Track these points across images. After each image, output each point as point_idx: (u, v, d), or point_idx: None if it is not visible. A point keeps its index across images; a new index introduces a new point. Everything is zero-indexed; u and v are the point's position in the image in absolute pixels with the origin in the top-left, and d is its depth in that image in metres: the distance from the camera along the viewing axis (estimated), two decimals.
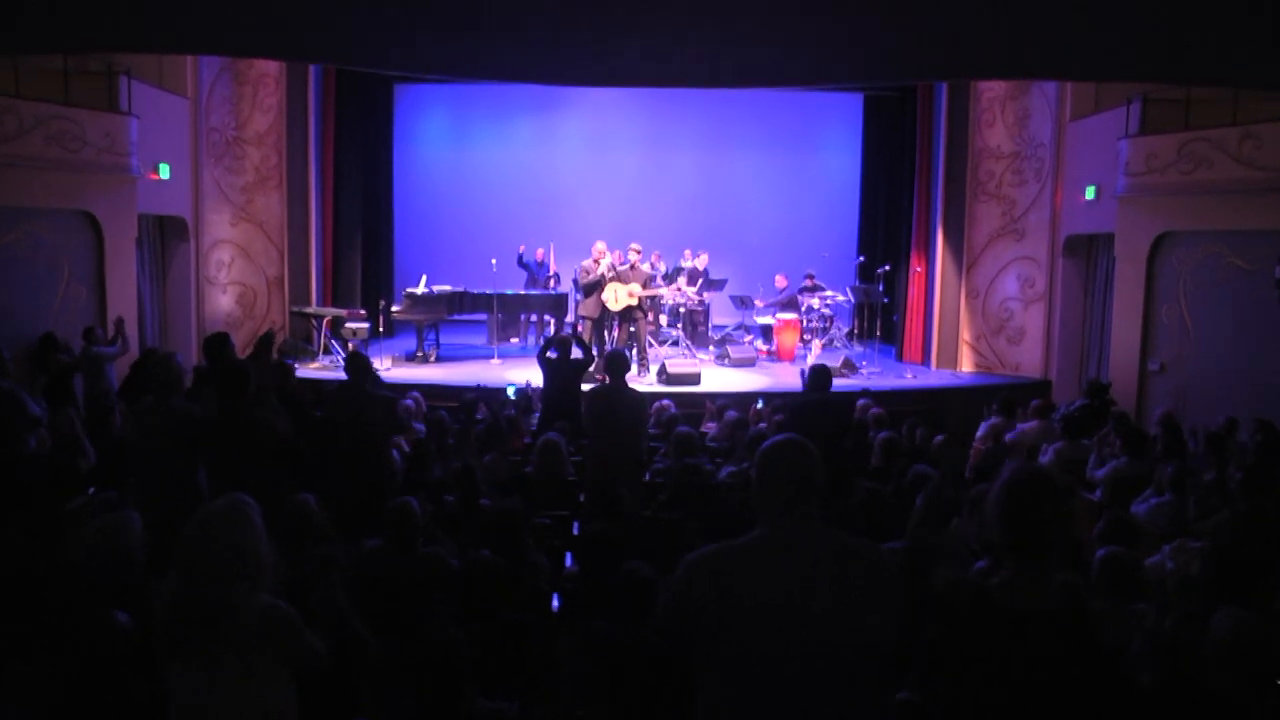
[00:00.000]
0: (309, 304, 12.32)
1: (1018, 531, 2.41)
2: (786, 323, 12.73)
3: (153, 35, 6.29)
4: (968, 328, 12.49)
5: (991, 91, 12.05)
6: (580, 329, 11.03)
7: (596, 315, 11.03)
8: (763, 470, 2.42)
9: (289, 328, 12.31)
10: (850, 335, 13.75)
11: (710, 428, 8.50)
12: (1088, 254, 11.60)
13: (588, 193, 16.30)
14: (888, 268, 12.61)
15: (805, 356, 12.55)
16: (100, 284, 9.79)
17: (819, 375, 6.61)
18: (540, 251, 13.79)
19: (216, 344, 5.79)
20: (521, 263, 13.56)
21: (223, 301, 12.10)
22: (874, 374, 11.68)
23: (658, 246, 14.34)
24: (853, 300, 13.08)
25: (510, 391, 8.68)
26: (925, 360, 12.74)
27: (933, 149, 12.65)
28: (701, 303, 13.64)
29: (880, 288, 12.38)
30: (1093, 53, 6.03)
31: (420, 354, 11.93)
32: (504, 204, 16.31)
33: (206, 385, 5.41)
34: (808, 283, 13.85)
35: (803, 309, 13.24)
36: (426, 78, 13.31)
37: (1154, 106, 9.98)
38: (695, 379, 10.74)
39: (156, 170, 10.65)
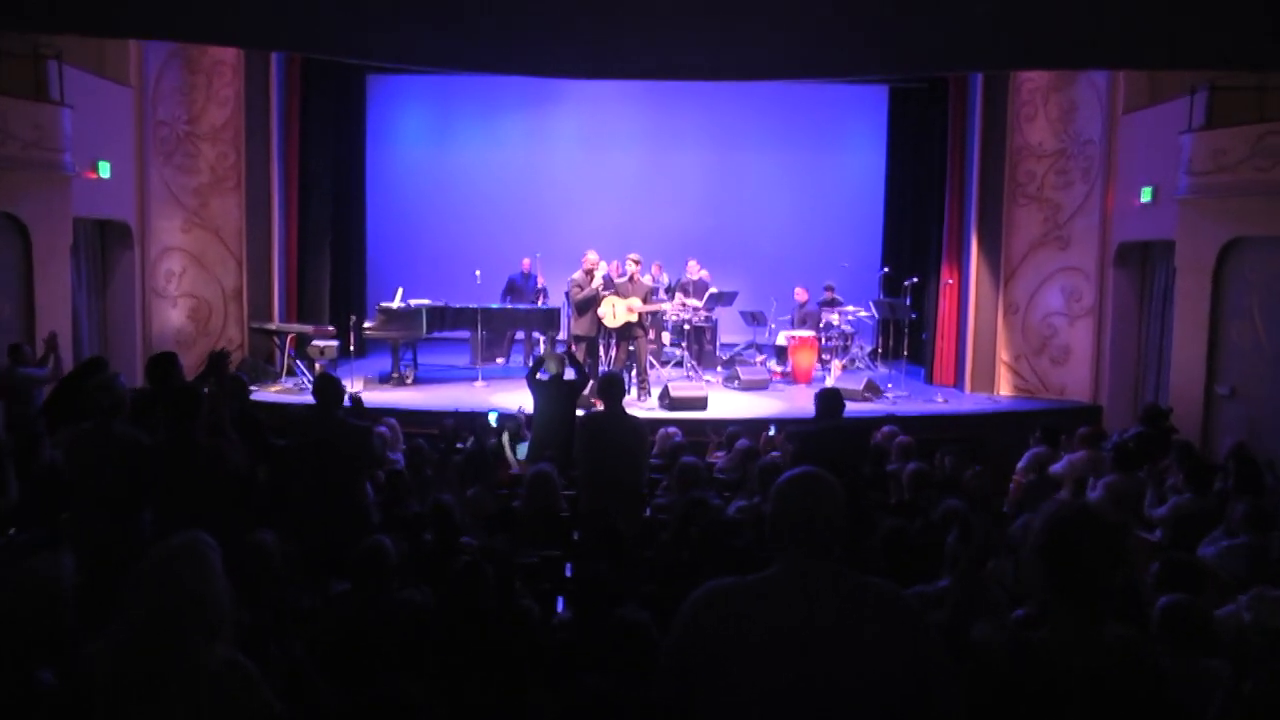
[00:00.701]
0: (270, 320, 12.34)
1: (1063, 576, 2.38)
2: (803, 341, 12.75)
3: (92, 17, 6.28)
4: (1006, 347, 12.49)
5: (1032, 82, 12.07)
6: (574, 348, 11.05)
7: (592, 333, 11.05)
8: (778, 504, 2.44)
9: (248, 346, 12.33)
10: (874, 355, 13.75)
11: (718, 458, 8.49)
12: (1142, 264, 11.58)
13: (582, 197, 16.37)
14: (916, 280, 12.62)
15: (824, 379, 12.56)
16: (28, 296, 9.61)
17: (829, 400, 6.61)
18: (526, 262, 13.86)
19: (162, 364, 5.75)
20: (514, 285, 13.68)
21: (173, 316, 12.11)
22: (901, 398, 11.68)
23: (659, 256, 14.38)
24: (876, 316, 13.11)
25: (491, 419, 8.68)
26: (958, 383, 12.73)
27: (966, 147, 12.69)
28: (708, 319, 13.66)
29: (908, 302, 12.39)
30: (1168, 37, 5.89)
31: (395, 375, 11.94)
32: (489, 209, 16.37)
33: (152, 410, 5.38)
34: (827, 296, 13.87)
35: (821, 326, 13.26)
36: (405, 68, 13.40)
37: (1222, 96, 9.66)
38: (701, 404, 10.73)
39: (95, 168, 10.61)
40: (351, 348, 11.92)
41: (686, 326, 12.89)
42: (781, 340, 13.36)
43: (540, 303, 13.57)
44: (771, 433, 8.83)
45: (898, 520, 5.24)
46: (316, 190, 13.50)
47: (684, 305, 12.97)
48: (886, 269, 13.97)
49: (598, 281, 11.01)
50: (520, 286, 13.90)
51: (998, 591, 4.12)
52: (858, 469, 6.41)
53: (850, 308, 13.59)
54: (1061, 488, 7.28)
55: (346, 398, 6.21)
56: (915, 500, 6.39)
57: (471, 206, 16.44)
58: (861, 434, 6.88)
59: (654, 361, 12.66)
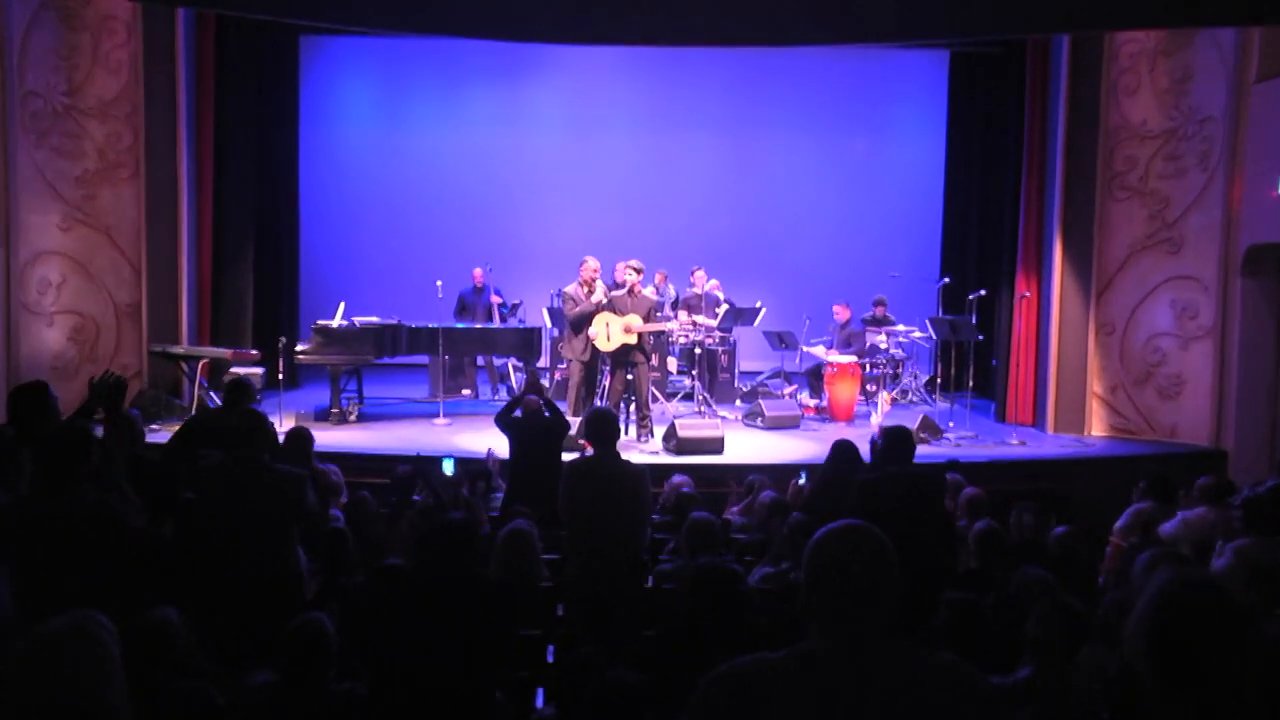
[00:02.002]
0: (177, 342, 12.32)
1: (1178, 667, 2.36)
2: (842, 369, 12.76)
3: None
4: (1100, 376, 12.47)
5: (1135, 44, 12.02)
6: (559, 376, 11.03)
7: (589, 358, 11.09)
8: (813, 567, 2.43)
9: (147, 374, 12.29)
10: (931, 386, 13.75)
11: (736, 513, 8.47)
12: (1279, 272, 11.59)
13: (567, 192, 16.46)
14: (983, 293, 12.62)
15: (869, 415, 12.55)
16: None
17: (899, 442, 6.61)
18: (478, 273, 14.03)
19: (31, 397, 5.67)
20: (464, 303, 13.86)
21: (48, 338, 12.05)
22: (966, 439, 11.65)
23: (663, 264, 14.45)
24: (934, 337, 13.11)
25: (447, 467, 8.66)
26: (1038, 421, 12.71)
27: (1048, 127, 12.70)
28: (724, 341, 13.67)
29: (973, 320, 12.38)
30: None
31: (336, 411, 11.94)
32: (453, 206, 16.46)
33: (13, 456, 5.33)
34: (875, 313, 13.89)
35: (865, 350, 13.27)
36: (348, 29, 13.43)
37: None
38: (716, 446, 10.71)
39: None
40: (280, 376, 11.90)
41: (697, 350, 12.90)
42: (824, 355, 13.36)
43: (505, 319, 13.65)
44: (802, 481, 8.80)
45: (964, 593, 5.21)
46: (237, 180, 13.53)
47: (694, 324, 13.00)
48: (946, 279, 14.01)
49: (598, 295, 11.02)
50: (471, 304, 14.01)
51: (1091, 686, 4.09)
52: (923, 530, 6.41)
53: (902, 327, 13.60)
54: (1174, 554, 7.23)
55: (282, 436, 6.23)
56: (986, 568, 6.35)
57: (431, 203, 16.51)
58: (937, 483, 6.91)
59: (657, 394, 12.65)
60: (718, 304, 13.58)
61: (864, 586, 2.37)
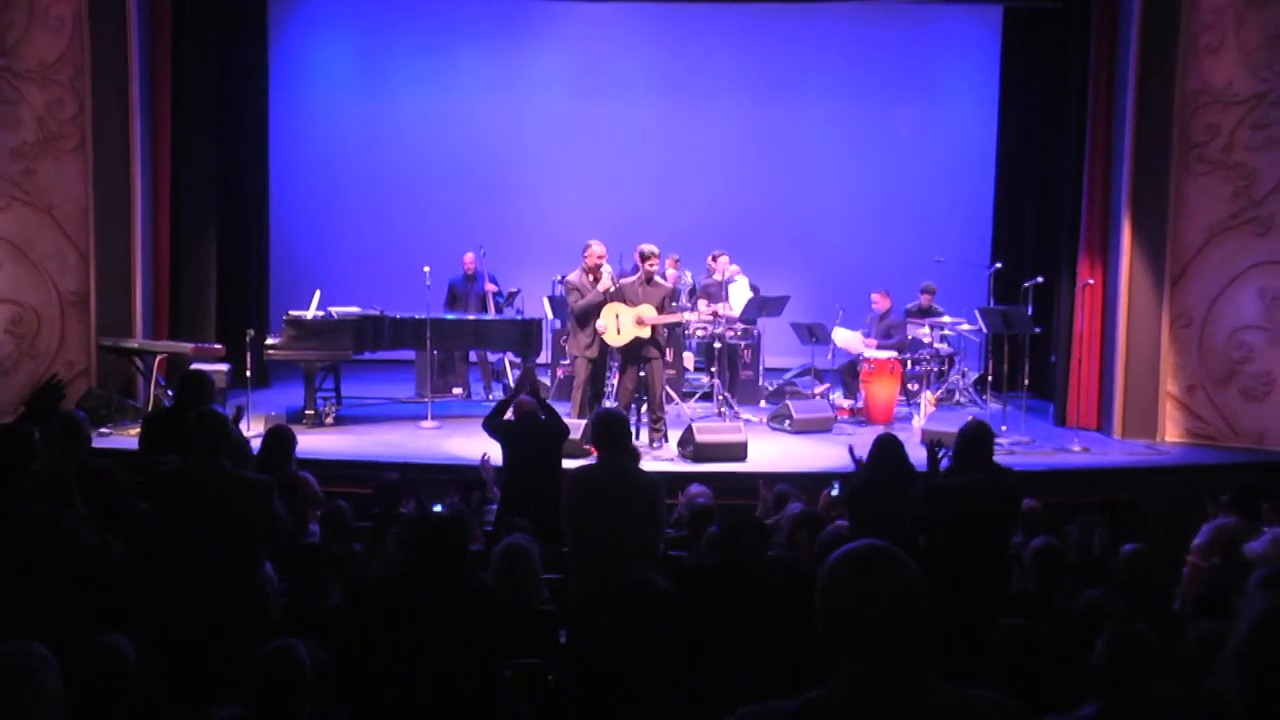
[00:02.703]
0: (130, 335, 12.33)
1: (1275, 705, 2.33)
2: (881, 365, 12.70)
3: None
4: (1175, 374, 12.41)
5: None
6: (562, 373, 11.01)
7: (596, 354, 11.07)
8: (826, 596, 2.43)
9: (96, 371, 12.30)
10: (980, 384, 13.69)
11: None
12: None
13: (571, 167, 16.46)
14: (1041, 280, 12.58)
15: (911, 418, 12.53)
16: None
17: (976, 442, 6.62)
18: (469, 259, 14.02)
19: None
20: (454, 292, 13.83)
21: None
22: (1020, 445, 11.60)
23: (678, 248, 14.41)
24: (984, 330, 13.05)
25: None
26: (1104, 424, 12.65)
27: (1116, 92, 12.62)
28: (747, 334, 13.63)
29: (1029, 311, 12.34)
30: None
31: (310, 412, 11.96)
32: (442, 183, 16.46)
33: None
34: (921, 303, 13.84)
35: (907, 344, 13.23)
36: None
37: None
38: (739, 452, 10.70)
39: None
40: (249, 373, 11.86)
41: (717, 345, 12.87)
42: (861, 346, 13.33)
43: (500, 310, 13.64)
44: (835, 492, 8.78)
45: (1020, 619, 5.18)
46: (198, 154, 13.53)
47: (714, 316, 12.95)
48: (999, 265, 13.94)
49: (605, 282, 10.96)
50: (463, 293, 14.01)
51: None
52: (997, 546, 6.41)
53: (948, 319, 13.55)
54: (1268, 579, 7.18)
55: (255, 439, 6.20)
56: (1044, 590, 6.33)
57: (417, 178, 16.52)
58: (1013, 494, 6.91)
59: (672, 394, 12.62)
60: (736, 292, 13.54)
61: (884, 618, 2.35)
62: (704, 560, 6.13)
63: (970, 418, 7.32)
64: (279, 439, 7.60)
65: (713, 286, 13.74)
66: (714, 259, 14.09)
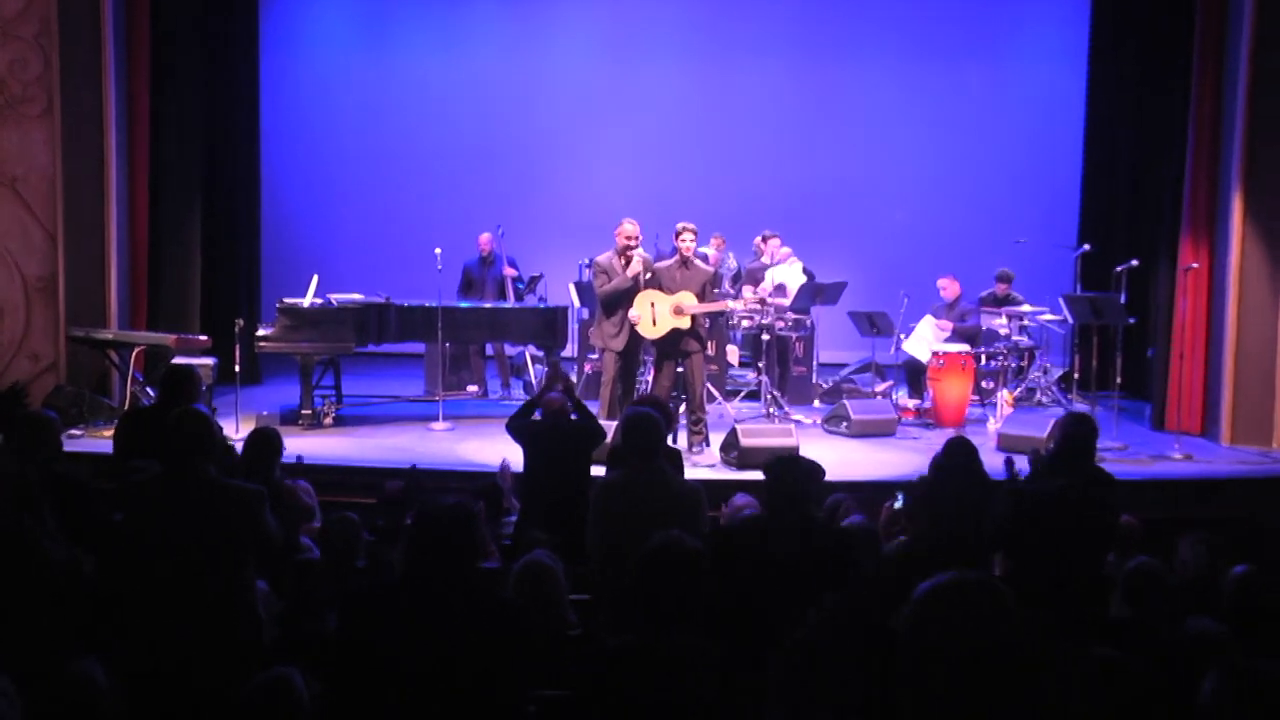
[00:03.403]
0: (104, 324, 12.36)
1: None
2: (951, 361, 12.64)
3: None
4: None
5: None
6: (589, 369, 11.00)
7: (623, 346, 11.05)
8: (921, 634, 2.43)
9: (65, 366, 12.33)
10: (1065, 383, 13.62)
11: None
12: None
13: (600, 136, 16.43)
14: (1136, 263, 12.49)
15: (985, 420, 12.47)
16: None
17: (1078, 440, 6.57)
18: (485, 240, 14.01)
19: None
20: (470, 277, 13.84)
21: None
22: (1114, 451, 11.52)
23: (721, 228, 14.37)
24: (1071, 320, 12.99)
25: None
26: (1209, 429, 12.56)
27: (1227, 46, 12.48)
28: (799, 325, 13.59)
29: (1122, 299, 12.26)
30: None
31: (307, 412, 11.98)
32: (456, 155, 16.48)
33: None
34: (997, 291, 13.75)
35: (981, 336, 13.15)
36: None
37: None
38: None
39: None
40: (237, 369, 11.89)
41: (765, 337, 12.83)
42: (919, 355, 13.30)
43: (521, 297, 13.63)
44: (899, 505, 8.72)
45: (1113, 650, 5.14)
46: (182, 121, 13.55)
47: (762, 304, 12.92)
48: (1087, 246, 13.86)
49: (635, 266, 10.91)
50: (479, 278, 14.01)
51: None
52: (1094, 564, 6.37)
53: (1028, 308, 13.46)
54: None
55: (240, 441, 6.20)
56: (1143, 618, 6.27)
57: (427, 150, 16.54)
58: (1113, 504, 6.87)
59: (715, 392, 12.60)
60: (788, 277, 13.49)
61: (981, 662, 2.31)
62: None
63: (1068, 411, 7.24)
64: (263, 443, 7.58)
65: (760, 271, 13.70)
66: (763, 240, 14.05)
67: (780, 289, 13.47)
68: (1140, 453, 11.65)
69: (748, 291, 13.23)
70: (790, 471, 5.80)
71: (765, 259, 13.85)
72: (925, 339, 13.30)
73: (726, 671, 4.19)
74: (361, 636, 4.59)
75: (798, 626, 4.38)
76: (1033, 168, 16.40)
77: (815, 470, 5.93)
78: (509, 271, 14.06)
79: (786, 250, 14.07)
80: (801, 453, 10.65)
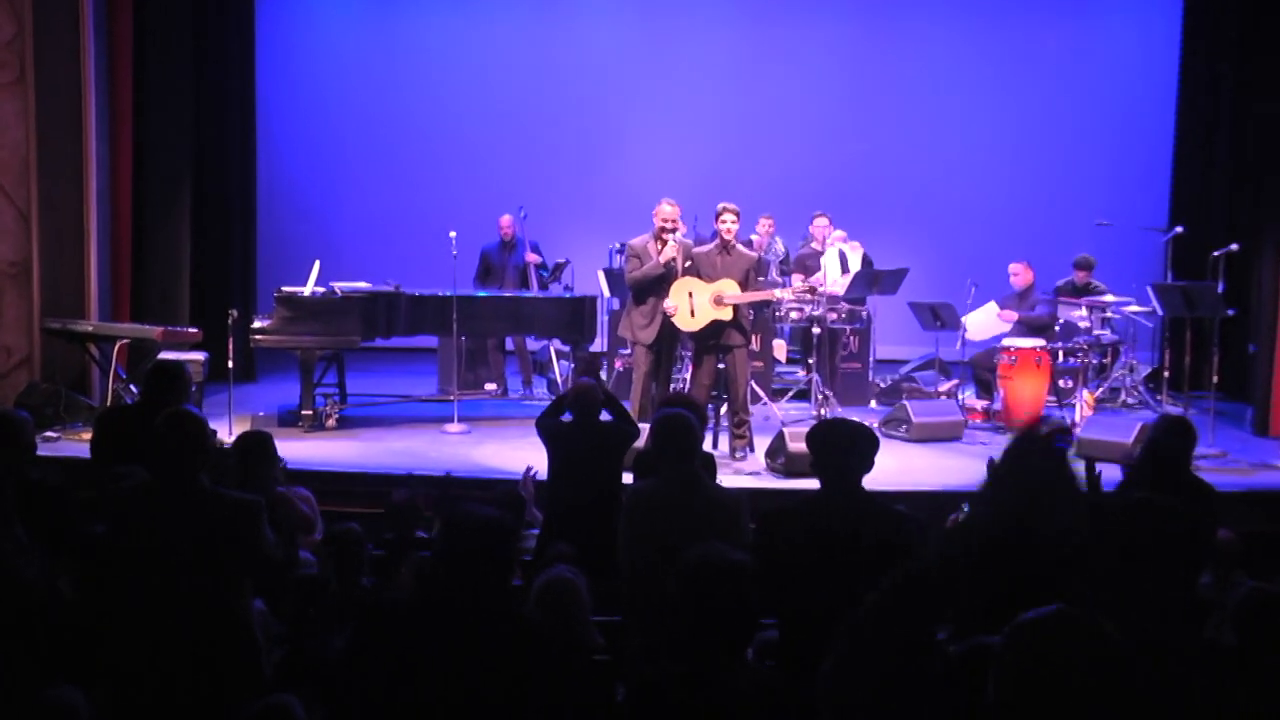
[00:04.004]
0: (83, 315, 12.43)
1: None
2: (1024, 357, 12.56)
3: None
4: None
5: None
6: (620, 365, 10.98)
7: (653, 339, 11.05)
8: (1008, 679, 2.39)
9: (40, 360, 12.37)
10: (1154, 381, 13.55)
11: None
12: None
13: (634, 107, 16.42)
14: (1235, 248, 12.43)
15: (1066, 420, 12.34)
16: None
17: (1174, 440, 6.53)
18: (505, 221, 14.01)
19: None
20: (489, 263, 13.83)
21: None
22: (1210, 459, 11.44)
23: (768, 209, 14.34)
24: (1160, 313, 12.93)
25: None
26: None
27: None
28: (854, 317, 13.55)
29: (1220, 288, 12.20)
30: None
31: (308, 413, 12.01)
32: (473, 128, 16.48)
33: None
34: (1076, 279, 13.67)
35: (1057, 330, 13.09)
36: None
37: None
38: None
39: None
40: (230, 364, 11.95)
41: (816, 330, 12.83)
42: (977, 330, 13.23)
43: (545, 286, 13.63)
44: (962, 515, 8.71)
45: (1210, 680, 5.11)
46: (168, 91, 13.59)
47: (812, 293, 12.89)
48: (1179, 229, 13.80)
49: (669, 251, 10.87)
50: (498, 264, 13.99)
51: None
52: (1193, 584, 6.34)
53: (1111, 298, 13.38)
54: None
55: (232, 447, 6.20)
56: (1250, 646, 6.22)
57: (441, 122, 16.56)
58: (1211, 518, 6.79)
59: (760, 392, 12.59)
60: (846, 264, 13.47)
61: (1082, 704, 2.32)
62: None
63: (1160, 414, 7.20)
64: (256, 447, 7.56)
65: (811, 257, 13.66)
66: (815, 221, 13.98)
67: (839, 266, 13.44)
68: (1240, 461, 11.55)
69: (797, 280, 13.20)
70: (837, 435, 5.83)
71: (816, 244, 13.80)
72: (983, 325, 13.25)
73: (780, 704, 4.18)
74: (374, 659, 4.60)
75: (841, 638, 4.38)
76: (1118, 139, 16.32)
77: (866, 435, 5.90)
78: (532, 258, 14.07)
79: (840, 233, 14.00)
80: None
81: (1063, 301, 13.45)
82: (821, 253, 13.74)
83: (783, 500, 6.80)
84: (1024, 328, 13.08)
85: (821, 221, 13.94)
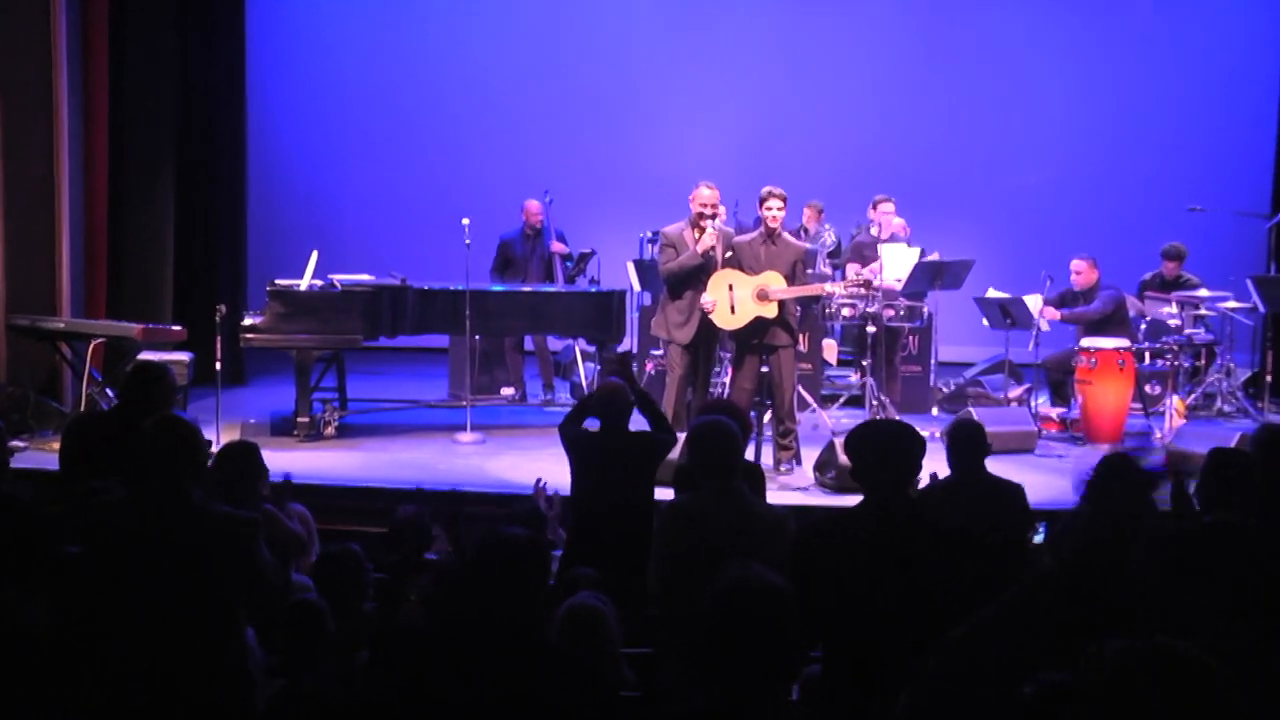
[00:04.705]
0: (54, 312, 12.46)
1: None
2: (1105, 358, 12.51)
3: None
4: None
5: None
6: (652, 368, 11.00)
7: (690, 339, 11.05)
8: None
9: (4, 362, 12.40)
10: (1254, 386, 13.50)
11: None
12: None
13: (667, 83, 16.40)
14: None
15: (1149, 433, 12.40)
16: None
17: (1272, 460, 6.51)
18: (532, 207, 13.93)
19: None
20: (509, 254, 13.82)
21: None
22: None
23: (817, 194, 14.33)
24: (1262, 309, 12.90)
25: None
26: None
27: None
28: (914, 314, 13.52)
29: None
30: None
31: (305, 420, 12.04)
32: (485, 104, 16.50)
33: None
34: (1167, 271, 13.60)
35: (1142, 329, 13.03)
36: None
37: None
38: None
39: None
40: (218, 365, 11.94)
41: (871, 328, 12.80)
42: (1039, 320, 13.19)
43: (572, 279, 13.63)
44: (1039, 539, 8.70)
45: None
46: (149, 66, 13.61)
47: (866, 288, 12.86)
48: None
49: (707, 240, 10.85)
50: (523, 255, 13.94)
51: None
52: None
53: (1205, 293, 13.33)
54: None
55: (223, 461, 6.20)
56: None
57: (451, 98, 16.59)
58: None
59: (808, 397, 12.59)
60: (897, 255, 13.44)
61: None
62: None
63: (1260, 424, 7.17)
64: (240, 459, 7.54)
65: (870, 245, 13.53)
66: (874, 207, 13.89)
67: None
68: None
69: (851, 271, 13.15)
70: (877, 437, 5.72)
71: (877, 230, 13.69)
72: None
73: None
74: (388, 692, 4.60)
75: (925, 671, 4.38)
76: (1213, 115, 16.24)
77: (910, 436, 5.82)
78: (558, 247, 14.05)
79: (900, 221, 13.90)
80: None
81: (1150, 297, 13.38)
82: (882, 241, 13.64)
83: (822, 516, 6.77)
84: (1108, 328, 12.97)
85: (888, 207, 13.79)
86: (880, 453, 5.50)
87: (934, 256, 13.47)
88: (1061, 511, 9.57)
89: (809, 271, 11.50)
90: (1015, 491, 8.12)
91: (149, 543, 5.40)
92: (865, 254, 13.59)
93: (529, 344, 14.39)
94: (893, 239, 13.52)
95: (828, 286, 12.01)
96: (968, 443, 7.95)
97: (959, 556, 5.47)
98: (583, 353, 14.02)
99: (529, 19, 16.53)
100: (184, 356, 11.89)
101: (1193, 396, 13.10)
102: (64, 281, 12.67)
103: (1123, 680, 2.44)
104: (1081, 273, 13.24)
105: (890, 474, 5.47)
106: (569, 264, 14.16)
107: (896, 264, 13.42)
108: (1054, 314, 12.94)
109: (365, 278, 12.33)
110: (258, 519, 5.71)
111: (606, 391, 8.22)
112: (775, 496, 9.57)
